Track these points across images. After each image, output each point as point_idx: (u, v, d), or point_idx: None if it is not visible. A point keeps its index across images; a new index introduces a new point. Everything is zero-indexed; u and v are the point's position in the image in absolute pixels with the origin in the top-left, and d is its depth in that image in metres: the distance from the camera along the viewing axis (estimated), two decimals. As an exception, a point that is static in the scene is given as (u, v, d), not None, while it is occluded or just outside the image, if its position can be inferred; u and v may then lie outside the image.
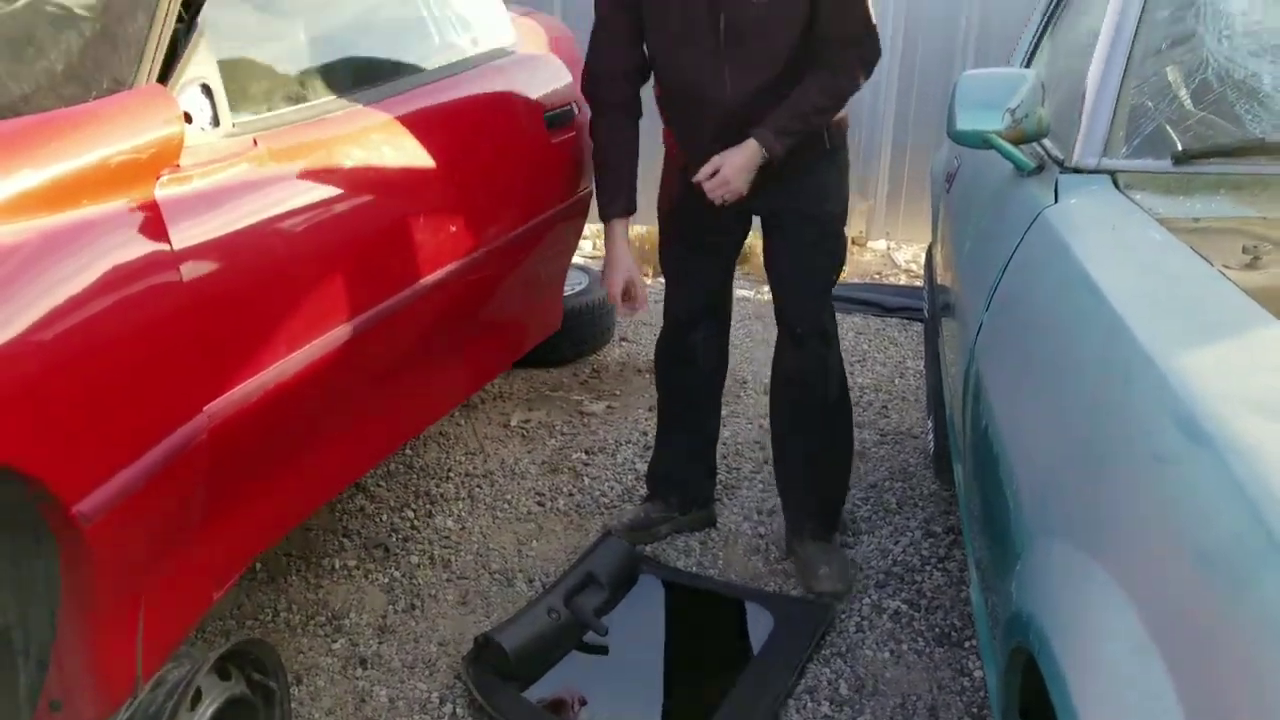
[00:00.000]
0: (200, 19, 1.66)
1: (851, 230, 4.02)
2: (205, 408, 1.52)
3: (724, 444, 2.83)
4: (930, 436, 2.85)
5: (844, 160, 2.33)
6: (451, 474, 2.82)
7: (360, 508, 2.63)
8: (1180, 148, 1.58)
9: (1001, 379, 1.44)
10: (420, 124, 2.18)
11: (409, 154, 2.12)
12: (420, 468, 2.85)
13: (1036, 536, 1.11)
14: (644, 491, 2.65)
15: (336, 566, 2.39)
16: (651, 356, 2.64)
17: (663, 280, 2.53)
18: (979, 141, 1.73)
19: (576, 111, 2.74)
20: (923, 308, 3.41)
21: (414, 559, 2.44)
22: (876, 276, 4.61)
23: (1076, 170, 1.62)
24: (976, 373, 1.55)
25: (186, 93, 1.62)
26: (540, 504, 2.69)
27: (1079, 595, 0.94)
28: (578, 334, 3.48)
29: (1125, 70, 1.66)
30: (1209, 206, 1.47)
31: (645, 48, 2.26)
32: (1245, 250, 1.32)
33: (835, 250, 2.35)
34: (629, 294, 2.36)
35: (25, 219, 1.28)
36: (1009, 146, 1.71)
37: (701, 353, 2.50)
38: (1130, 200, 1.49)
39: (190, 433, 1.49)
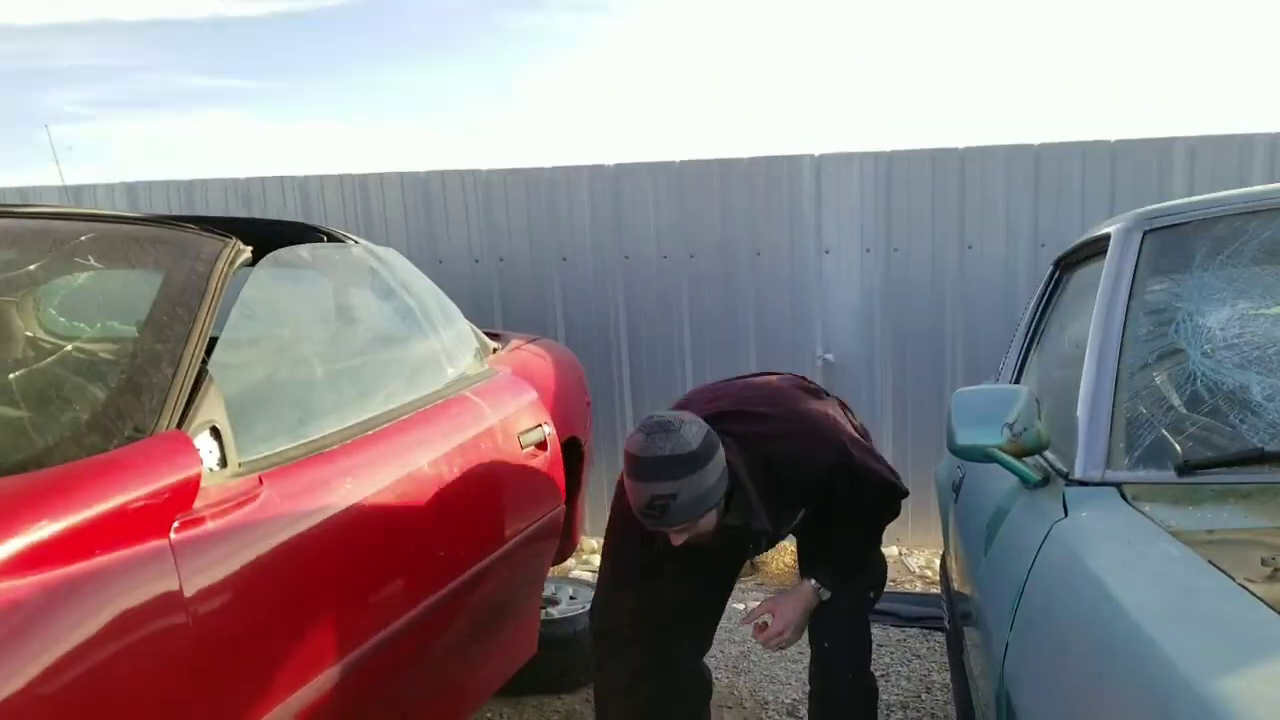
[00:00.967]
0: (210, 363, 1.74)
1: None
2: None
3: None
4: (964, 758, 2.69)
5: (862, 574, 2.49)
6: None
7: None
8: (1183, 459, 1.60)
9: (1034, 706, 1.38)
10: (410, 454, 2.24)
11: (402, 485, 2.16)
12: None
13: None
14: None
15: None
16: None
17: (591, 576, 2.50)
18: (980, 456, 1.75)
19: (547, 431, 2.82)
20: (942, 617, 3.32)
21: None
22: (892, 584, 4.52)
23: (1082, 483, 1.63)
24: (1007, 697, 1.49)
25: (198, 436, 1.67)
26: None
27: None
28: (585, 656, 3.36)
29: (1116, 384, 1.72)
30: (1220, 518, 1.47)
31: None
32: (1264, 562, 1.30)
33: (872, 568, 2.41)
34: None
35: (41, 572, 1.28)
36: (1012, 460, 1.73)
37: (691, 682, 2.51)
38: (1140, 513, 1.49)
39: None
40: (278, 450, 1.88)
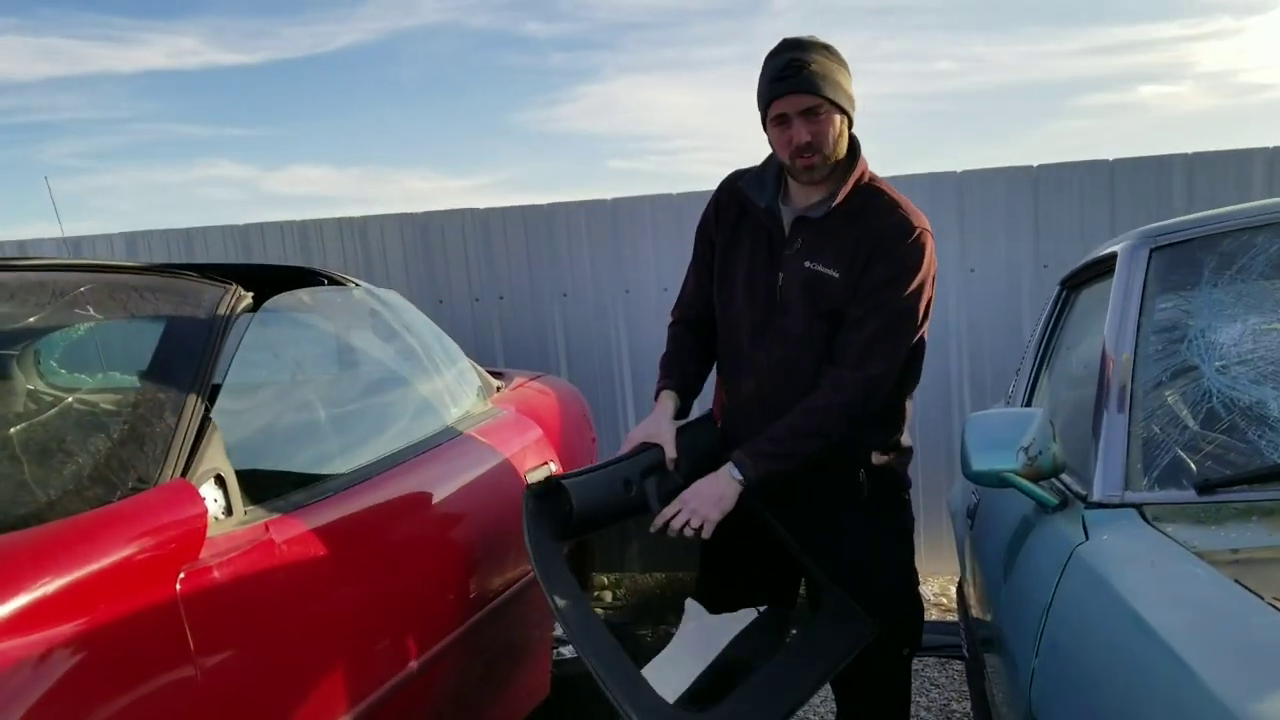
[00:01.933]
0: (213, 410, 1.72)
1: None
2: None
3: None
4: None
5: (893, 519, 2.27)
6: None
7: None
8: (1202, 477, 1.57)
9: (1066, 735, 1.35)
10: (416, 496, 2.22)
11: (408, 527, 2.15)
12: None
13: None
14: None
15: None
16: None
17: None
18: (996, 481, 1.73)
19: (553, 468, 2.79)
20: (960, 644, 3.28)
21: None
22: (905, 612, 4.47)
23: (1101, 505, 1.61)
24: (1035, 726, 1.46)
25: (203, 485, 1.64)
26: None
27: None
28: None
29: (1131, 403, 1.70)
30: (1245, 536, 1.44)
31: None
32: (1294, 581, 1.27)
33: (898, 629, 2.24)
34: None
35: (47, 629, 1.25)
36: (1029, 484, 1.71)
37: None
38: (1163, 534, 1.46)
39: None
40: (283, 497, 1.85)
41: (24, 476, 1.57)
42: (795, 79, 2.04)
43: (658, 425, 2.22)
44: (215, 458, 1.68)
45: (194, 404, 1.70)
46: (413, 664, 2.01)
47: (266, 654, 1.62)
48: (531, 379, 3.46)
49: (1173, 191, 4.42)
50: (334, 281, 2.52)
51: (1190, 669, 1.07)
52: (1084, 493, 1.67)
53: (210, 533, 1.58)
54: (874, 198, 2.15)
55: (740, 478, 2.08)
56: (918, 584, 2.36)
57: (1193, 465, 1.61)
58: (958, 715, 3.33)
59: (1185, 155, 4.44)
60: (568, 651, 3.43)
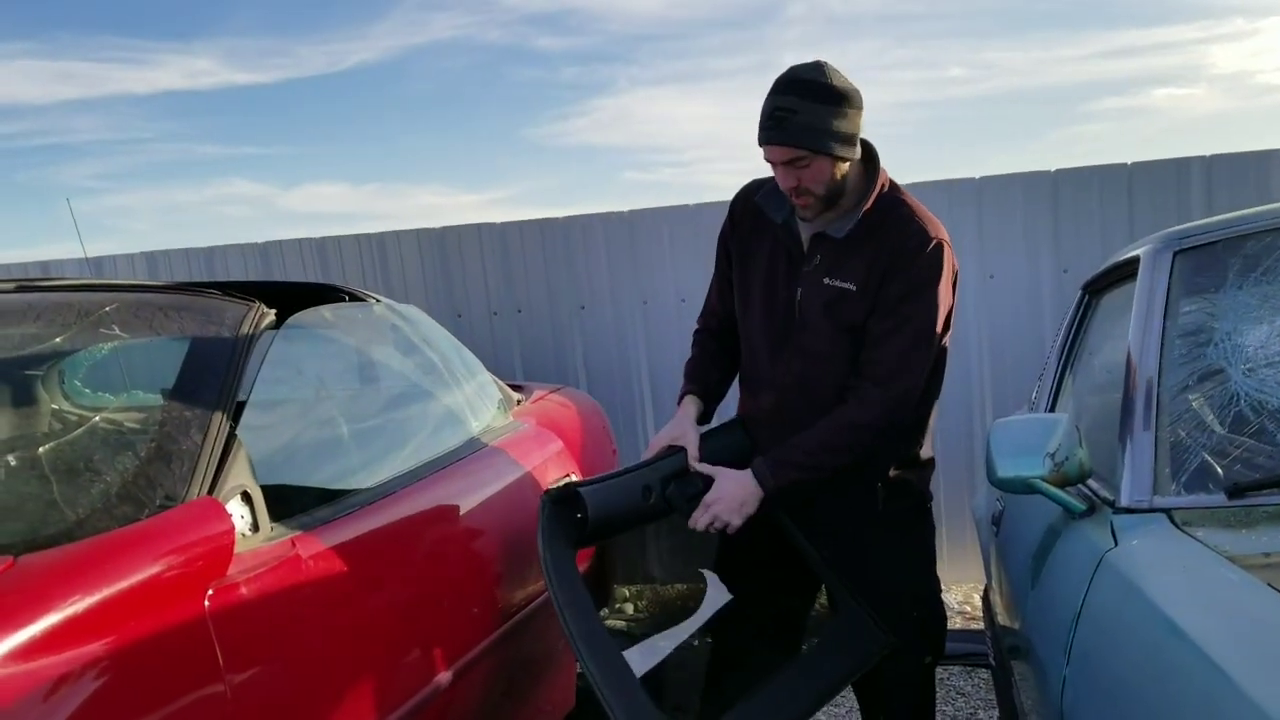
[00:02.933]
0: (238, 427, 1.73)
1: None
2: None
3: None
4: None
5: (912, 530, 2.26)
6: None
7: None
8: (1231, 481, 1.56)
9: (1099, 743, 1.34)
10: (439, 509, 2.23)
11: (432, 541, 2.15)
12: None
13: None
14: None
15: None
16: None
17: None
18: (1023, 487, 1.72)
19: (575, 477, 2.80)
20: (986, 653, 3.25)
21: None
22: (929, 620, 4.45)
23: (1129, 510, 1.59)
24: (1068, 734, 1.44)
25: (229, 502, 1.65)
26: None
27: None
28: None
29: (1158, 407, 1.68)
30: (1276, 540, 1.42)
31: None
32: (1329, 584, 1.26)
33: (919, 637, 2.25)
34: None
35: (78, 648, 1.26)
36: (1056, 490, 1.70)
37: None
38: (1193, 539, 1.45)
39: None
40: (308, 512, 1.86)
41: (54, 495, 1.58)
42: (775, 130, 2.04)
43: (682, 429, 2.23)
44: (241, 474, 1.69)
45: (219, 421, 1.71)
46: (439, 677, 2.01)
47: (295, 669, 1.62)
48: (551, 391, 3.46)
49: (1192, 194, 4.39)
50: (355, 297, 2.53)
51: (1225, 674, 1.06)
52: (1112, 498, 1.66)
53: (237, 549, 1.59)
54: (893, 209, 2.15)
55: (761, 488, 2.08)
56: (939, 592, 2.35)
57: (1221, 469, 1.60)
58: (985, 724, 3.30)
59: (1204, 157, 4.41)
60: (592, 664, 3.42)
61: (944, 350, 2.18)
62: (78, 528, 1.50)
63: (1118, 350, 1.93)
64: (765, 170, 2.28)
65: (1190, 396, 1.72)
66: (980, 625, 3.66)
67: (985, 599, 2.95)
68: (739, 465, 2.18)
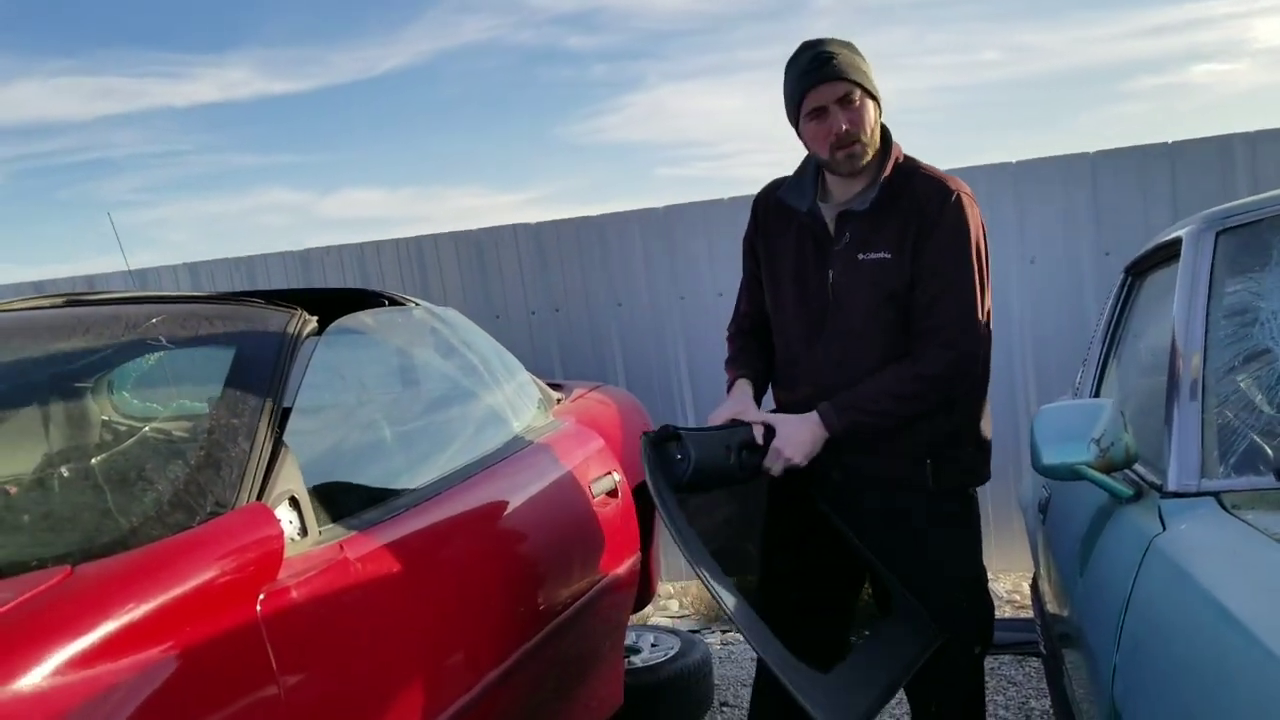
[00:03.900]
0: (285, 433, 1.76)
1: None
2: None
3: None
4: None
5: (960, 515, 2.25)
6: None
7: None
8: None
9: (1152, 730, 1.32)
10: (484, 509, 2.25)
11: (478, 540, 2.17)
12: None
13: None
14: None
15: None
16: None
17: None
18: (1069, 474, 1.70)
19: (617, 478, 2.80)
20: (1037, 641, 3.23)
21: None
22: (977, 610, 4.42)
23: (1177, 494, 1.57)
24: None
25: (278, 507, 1.68)
26: None
27: None
28: (672, 703, 3.32)
29: (1204, 390, 1.66)
30: (1329, 521, 1.40)
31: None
32: (1384, 565, 1.24)
33: (968, 627, 2.24)
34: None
35: (136, 653, 1.29)
36: (1102, 476, 1.68)
37: None
38: (1243, 522, 1.43)
39: None
40: (355, 515, 1.89)
41: (108, 505, 1.61)
42: (824, 68, 2.08)
43: (743, 404, 2.25)
44: (289, 479, 1.72)
45: (266, 428, 1.74)
46: (488, 676, 2.03)
47: (346, 671, 1.64)
48: (590, 389, 3.47)
49: (1236, 171, 4.31)
50: (394, 302, 2.55)
51: (1277, 657, 1.04)
52: (1159, 483, 1.64)
53: (287, 553, 1.61)
54: (910, 174, 2.18)
55: (824, 423, 2.11)
56: (987, 581, 2.33)
57: (1270, 450, 1.58)
58: (1037, 713, 3.28)
59: (1247, 134, 4.33)
60: (639, 660, 3.44)
61: (989, 313, 2.18)
62: (132, 536, 1.53)
63: (1162, 333, 1.91)
64: (796, 160, 2.28)
65: (1237, 378, 1.69)
66: (1029, 614, 3.63)
67: (1034, 587, 2.93)
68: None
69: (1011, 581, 4.65)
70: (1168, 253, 2.13)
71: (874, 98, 2.13)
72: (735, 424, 2.20)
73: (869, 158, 2.14)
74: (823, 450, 2.15)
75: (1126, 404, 1.97)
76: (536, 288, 5.07)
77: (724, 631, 4.41)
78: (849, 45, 2.14)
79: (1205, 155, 4.35)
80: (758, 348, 2.38)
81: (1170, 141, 4.40)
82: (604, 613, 2.68)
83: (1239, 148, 4.32)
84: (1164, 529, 1.51)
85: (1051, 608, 2.41)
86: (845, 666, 2.05)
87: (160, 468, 1.72)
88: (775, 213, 2.29)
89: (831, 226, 2.19)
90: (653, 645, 3.57)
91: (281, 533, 1.59)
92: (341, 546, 1.76)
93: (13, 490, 1.84)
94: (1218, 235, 1.90)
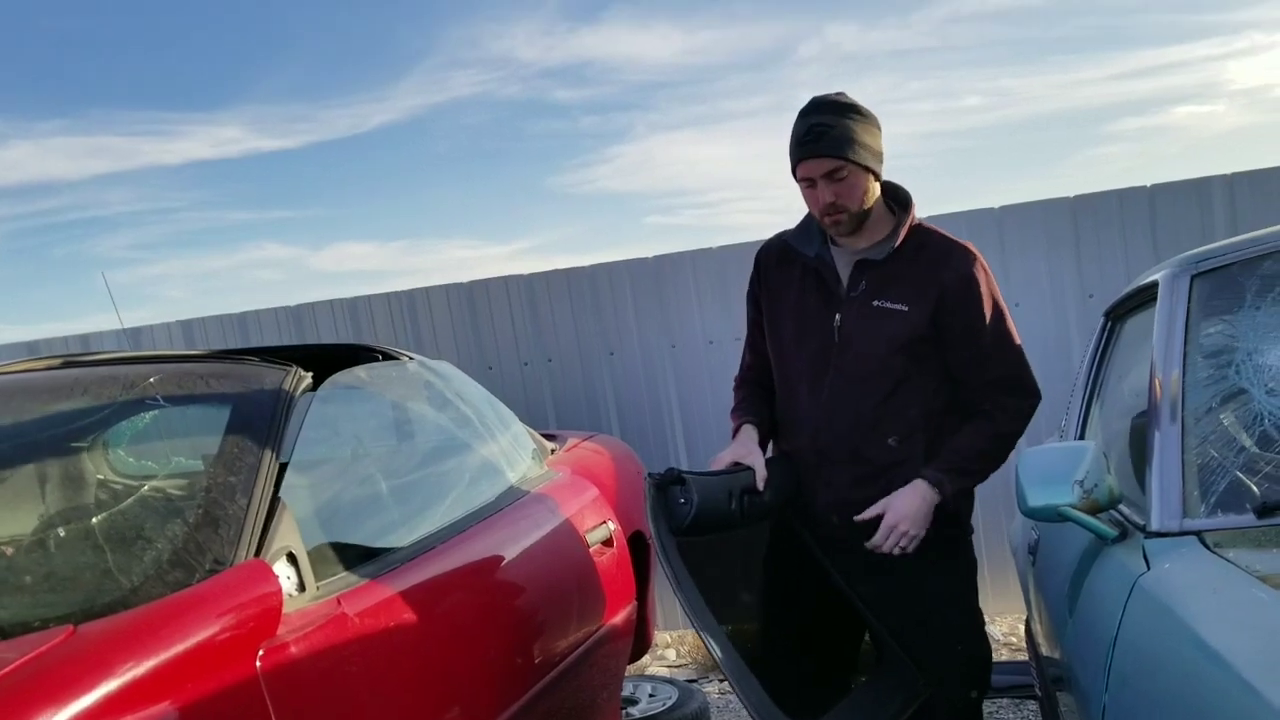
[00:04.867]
0: (282, 490, 1.78)
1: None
2: None
3: None
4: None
5: (954, 561, 2.30)
6: None
7: None
8: (1260, 501, 1.57)
9: (1141, 769, 1.34)
10: (480, 561, 2.27)
11: (474, 592, 2.19)
12: None
13: None
14: None
15: None
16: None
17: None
18: (1053, 516, 1.73)
19: (612, 528, 2.82)
20: (1033, 684, 3.23)
21: None
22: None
23: (1160, 534, 1.60)
24: (1111, 762, 1.45)
25: (276, 563, 1.70)
26: None
27: None
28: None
29: (1183, 430, 1.70)
30: (1309, 558, 1.43)
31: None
32: (1362, 601, 1.27)
33: (964, 672, 2.26)
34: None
35: (138, 712, 1.30)
36: (1086, 517, 1.71)
37: None
38: (1224, 560, 1.46)
39: None
40: (352, 570, 1.90)
41: (108, 564, 1.63)
42: (817, 144, 2.14)
43: (747, 449, 2.29)
44: (286, 536, 1.74)
45: (263, 485, 1.76)
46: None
47: (344, 726, 1.65)
48: (584, 439, 3.50)
49: (1215, 213, 4.39)
50: (388, 356, 2.59)
51: (1260, 694, 1.07)
52: (1142, 523, 1.67)
53: (286, 609, 1.63)
54: (927, 238, 2.26)
55: (935, 488, 2.16)
56: (983, 625, 2.35)
57: (1251, 489, 1.61)
58: (1035, 756, 3.27)
59: (1224, 176, 4.41)
60: (637, 711, 3.43)
61: None
62: (132, 595, 1.55)
63: (1142, 375, 1.95)
64: (788, 208, 2.34)
65: (1215, 419, 1.73)
66: (1025, 656, 3.63)
67: (1028, 629, 2.94)
68: (790, 494, 2.27)
69: (1008, 624, 4.64)
70: (1145, 296, 2.18)
71: (869, 169, 2.18)
72: (738, 468, 2.23)
73: (855, 224, 2.22)
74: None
75: (1110, 446, 2.00)
76: (529, 338, 5.11)
77: (721, 680, 4.39)
78: (854, 112, 2.18)
79: (1184, 197, 4.43)
80: (763, 395, 2.43)
81: (1149, 184, 4.48)
82: (601, 663, 2.69)
83: (1217, 189, 4.40)
84: (1148, 568, 1.54)
85: (1044, 649, 2.43)
86: (829, 718, 2.06)
87: (159, 526, 1.74)
88: (779, 259, 2.37)
89: (845, 273, 2.26)
90: (650, 695, 3.57)
91: (280, 589, 1.61)
92: (339, 601, 1.78)
93: (9, 551, 1.85)
94: (1193, 279, 1.95)
